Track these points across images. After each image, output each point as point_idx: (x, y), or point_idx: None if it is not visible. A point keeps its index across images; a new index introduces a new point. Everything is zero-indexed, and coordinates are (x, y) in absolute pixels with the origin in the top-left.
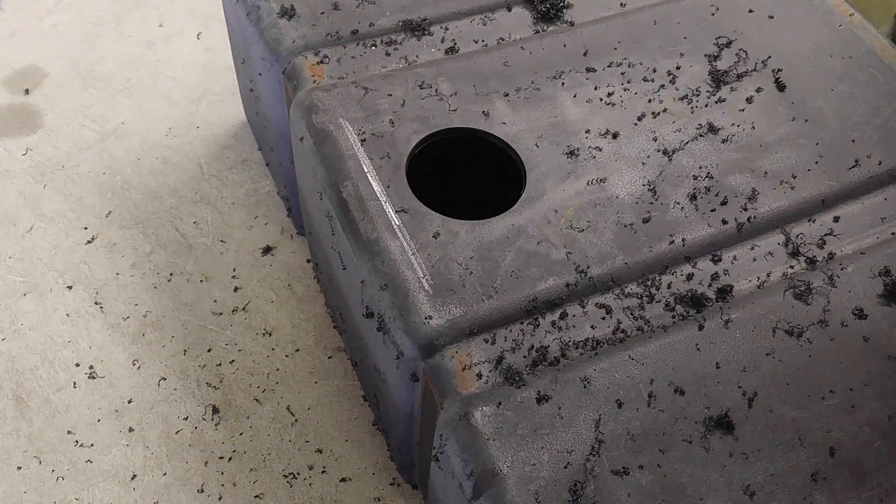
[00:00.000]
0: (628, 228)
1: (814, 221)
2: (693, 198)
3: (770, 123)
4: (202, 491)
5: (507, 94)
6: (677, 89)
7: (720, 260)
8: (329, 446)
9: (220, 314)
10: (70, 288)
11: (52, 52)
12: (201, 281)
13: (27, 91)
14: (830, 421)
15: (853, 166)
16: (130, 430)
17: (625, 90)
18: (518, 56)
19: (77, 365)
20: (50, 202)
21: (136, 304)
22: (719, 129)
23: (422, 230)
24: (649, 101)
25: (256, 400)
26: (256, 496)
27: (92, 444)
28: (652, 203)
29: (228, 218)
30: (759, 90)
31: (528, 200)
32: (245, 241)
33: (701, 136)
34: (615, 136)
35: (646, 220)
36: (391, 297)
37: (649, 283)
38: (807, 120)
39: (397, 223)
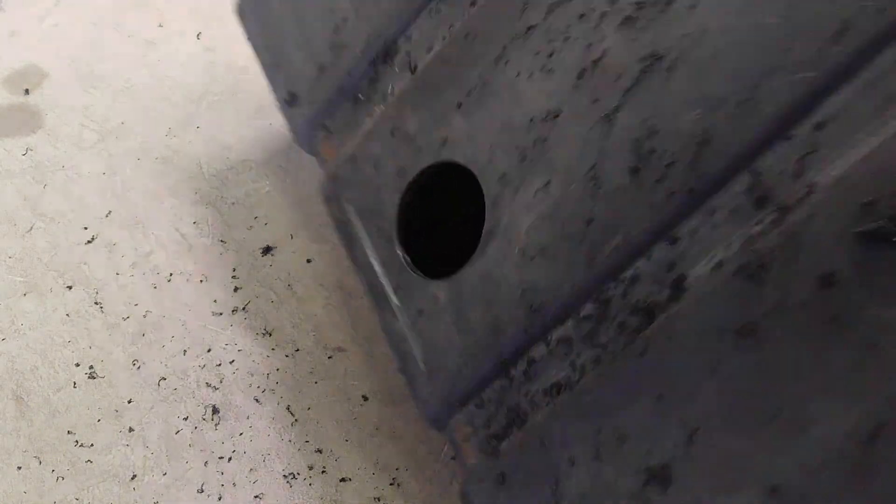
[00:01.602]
0: (575, 238)
1: (790, 139)
2: (635, 171)
3: (723, 15)
4: (202, 491)
5: (460, 105)
6: (616, 15)
7: (677, 240)
8: (329, 446)
9: (220, 314)
10: (70, 288)
11: (52, 53)
12: (201, 281)
13: (27, 91)
14: (777, 450)
15: (837, 34)
16: (130, 430)
17: (565, 40)
18: (463, 47)
19: (77, 365)
20: (50, 202)
21: (135, 304)
22: (663, 55)
23: (412, 305)
24: (589, 44)
25: (256, 400)
26: (256, 496)
27: (92, 444)
28: (594, 197)
29: (228, 218)
30: None
31: (489, 234)
32: (245, 242)
33: (645, 72)
34: (556, 115)
35: (589, 222)
36: (406, 380)
37: (603, 298)
38: None
39: (396, 303)
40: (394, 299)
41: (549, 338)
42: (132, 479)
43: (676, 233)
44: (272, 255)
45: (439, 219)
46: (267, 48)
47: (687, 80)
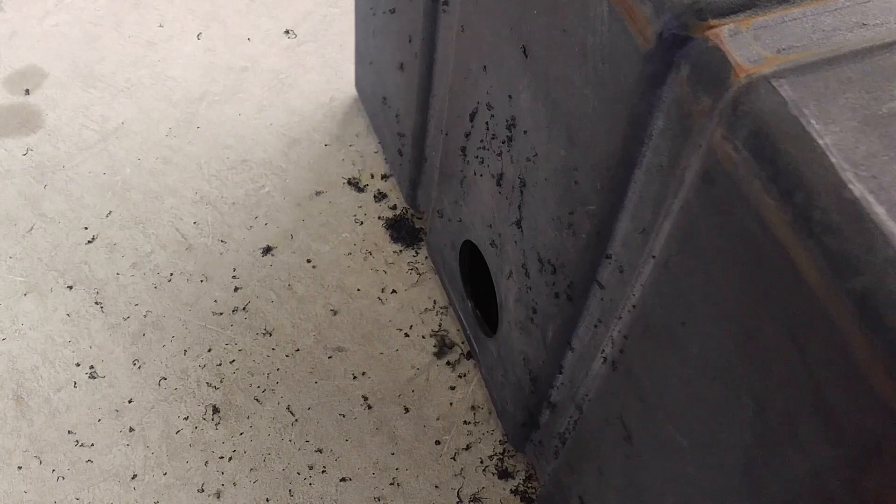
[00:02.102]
0: (531, 321)
1: (610, 257)
2: (541, 271)
3: (544, 138)
4: (202, 490)
5: (460, 190)
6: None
7: (571, 345)
8: (329, 446)
9: (221, 314)
10: (70, 288)
11: (52, 53)
12: (201, 281)
13: (27, 91)
14: None
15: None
16: (131, 429)
17: (484, 149)
18: (446, 143)
19: (77, 365)
20: (50, 202)
21: (136, 304)
22: (525, 175)
23: (483, 354)
24: (497, 156)
25: (257, 400)
26: (257, 496)
27: (92, 444)
28: (530, 288)
29: (228, 218)
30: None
31: (500, 304)
32: (245, 242)
33: (522, 188)
34: (497, 210)
35: (534, 310)
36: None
37: (563, 375)
38: None
39: (476, 351)
40: (476, 348)
41: (550, 398)
42: (133, 478)
43: (573, 336)
44: (272, 255)
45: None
46: (374, 127)
47: (540, 200)
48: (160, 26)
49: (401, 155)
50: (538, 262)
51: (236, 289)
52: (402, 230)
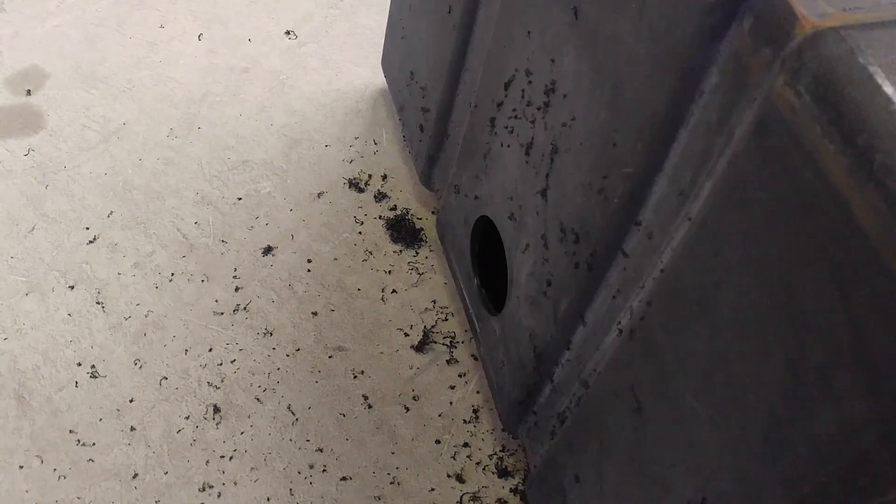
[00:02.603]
0: (545, 294)
1: (639, 224)
2: (562, 241)
3: (583, 104)
4: (203, 490)
5: (483, 166)
6: (537, 98)
7: (584, 319)
8: (330, 445)
9: (222, 314)
10: (72, 288)
11: (54, 53)
12: (202, 281)
13: (29, 92)
14: None
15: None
16: (132, 429)
17: (516, 118)
18: (475, 114)
19: (79, 364)
20: (52, 202)
21: (137, 304)
22: (557, 142)
23: (485, 334)
24: (528, 125)
25: (257, 399)
26: (257, 495)
27: (94, 444)
28: (547, 261)
29: (229, 218)
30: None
31: (510, 281)
32: (246, 242)
33: (553, 156)
34: (523, 180)
35: (549, 283)
36: (492, 395)
37: (570, 351)
38: None
39: (479, 331)
40: (477, 328)
41: (552, 376)
42: (134, 477)
43: (588, 309)
44: (273, 254)
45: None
46: (396, 103)
47: (572, 166)
48: (161, 27)
49: (422, 131)
50: (560, 232)
51: (237, 289)
52: (403, 230)
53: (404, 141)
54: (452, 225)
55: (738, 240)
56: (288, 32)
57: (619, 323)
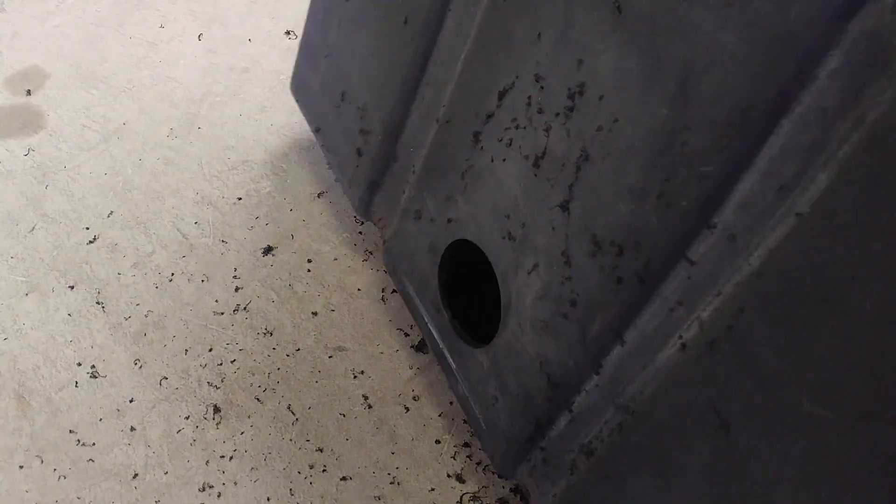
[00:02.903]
0: (567, 316)
1: (713, 227)
2: (593, 256)
3: (628, 104)
4: (203, 490)
5: (460, 186)
6: (554, 104)
7: (624, 335)
8: (330, 445)
9: (222, 314)
10: (72, 288)
11: (54, 53)
12: (203, 281)
13: (29, 92)
14: None
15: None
16: (132, 429)
17: (517, 129)
18: (447, 131)
19: (79, 364)
20: (52, 202)
21: (137, 304)
22: (589, 147)
23: (466, 369)
24: (536, 133)
25: (257, 399)
26: (257, 495)
27: (94, 444)
28: (571, 279)
29: (229, 218)
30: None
31: (506, 307)
32: (246, 242)
33: (580, 164)
34: (526, 201)
35: (573, 303)
36: (476, 435)
37: (600, 376)
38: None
39: (454, 367)
40: (452, 363)
41: (571, 406)
42: (134, 477)
43: (632, 319)
44: (273, 254)
45: (481, 286)
46: (312, 125)
47: (613, 172)
48: (161, 27)
49: (359, 155)
50: (592, 245)
51: (237, 289)
52: None
53: (328, 167)
54: (410, 254)
55: (878, 230)
56: (288, 32)
57: (681, 337)
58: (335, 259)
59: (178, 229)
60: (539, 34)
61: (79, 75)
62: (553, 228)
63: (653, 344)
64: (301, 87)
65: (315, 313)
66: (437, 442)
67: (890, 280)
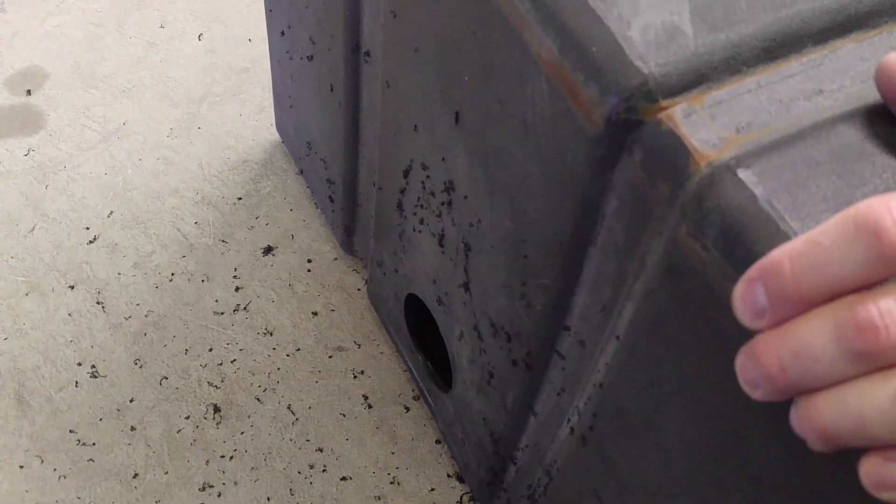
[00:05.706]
0: (488, 384)
1: (568, 329)
2: (495, 335)
3: (487, 206)
4: (203, 489)
5: (400, 245)
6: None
7: (534, 410)
8: (330, 445)
9: (222, 314)
10: (72, 288)
11: (53, 53)
12: (203, 281)
13: (29, 92)
14: None
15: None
16: (132, 428)
17: (422, 207)
18: (382, 196)
19: (79, 364)
20: (52, 202)
21: (137, 304)
22: (469, 240)
23: (439, 409)
24: (437, 216)
25: (258, 399)
26: (257, 494)
27: (94, 443)
28: (482, 351)
29: (230, 218)
30: None
31: (452, 361)
32: (246, 241)
33: (467, 253)
34: (442, 269)
35: (491, 374)
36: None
37: (528, 437)
38: None
39: (433, 405)
40: (430, 401)
41: (515, 459)
42: (134, 477)
43: (536, 402)
44: (273, 254)
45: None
46: (297, 165)
47: (488, 267)
48: (161, 27)
49: (332, 201)
50: (491, 328)
51: (237, 288)
52: None
53: (315, 207)
54: (384, 298)
55: (670, 372)
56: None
57: (570, 421)
58: (335, 259)
59: (178, 229)
60: (415, 126)
61: (79, 75)
62: (464, 304)
63: (554, 420)
64: (282, 129)
65: (315, 313)
66: (438, 442)
67: (686, 424)
